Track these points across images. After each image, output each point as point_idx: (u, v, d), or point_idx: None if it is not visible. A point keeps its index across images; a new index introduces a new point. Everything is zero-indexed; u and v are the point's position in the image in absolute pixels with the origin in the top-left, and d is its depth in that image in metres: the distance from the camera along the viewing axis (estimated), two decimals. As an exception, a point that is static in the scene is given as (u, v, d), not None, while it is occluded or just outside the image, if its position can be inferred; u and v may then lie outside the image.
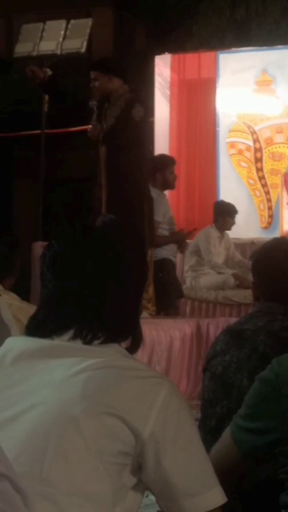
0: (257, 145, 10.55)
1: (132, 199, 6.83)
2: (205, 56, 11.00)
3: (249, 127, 10.59)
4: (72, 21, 9.41)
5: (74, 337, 1.77)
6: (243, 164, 10.63)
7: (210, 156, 10.78)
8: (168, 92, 11.00)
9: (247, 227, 10.06)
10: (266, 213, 10.44)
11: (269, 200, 10.44)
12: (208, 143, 10.84)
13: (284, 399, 2.13)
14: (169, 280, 7.66)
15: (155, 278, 7.14)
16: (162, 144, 10.69)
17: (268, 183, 10.45)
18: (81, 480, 1.64)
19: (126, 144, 6.82)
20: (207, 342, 6.75)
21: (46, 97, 9.02)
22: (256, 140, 10.55)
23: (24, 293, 5.30)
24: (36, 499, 1.61)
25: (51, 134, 10.29)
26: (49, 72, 9.07)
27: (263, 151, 10.51)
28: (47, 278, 1.83)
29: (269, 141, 10.51)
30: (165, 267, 7.59)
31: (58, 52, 9.24)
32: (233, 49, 10.95)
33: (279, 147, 10.47)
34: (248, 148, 10.60)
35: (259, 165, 10.54)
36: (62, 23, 9.39)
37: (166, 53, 11.10)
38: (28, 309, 3.60)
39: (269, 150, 10.50)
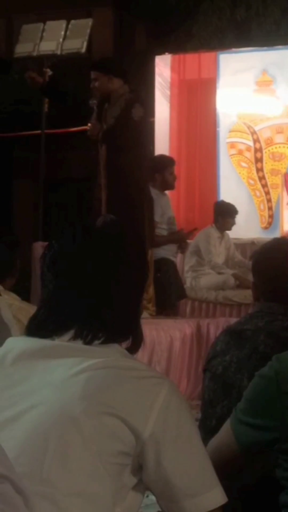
0: (257, 145, 10.55)
1: (132, 199, 6.83)
2: (205, 56, 11.01)
3: (249, 127, 10.59)
4: (72, 21, 9.42)
5: (74, 337, 1.77)
6: (243, 164, 10.63)
7: (210, 156, 10.78)
8: (168, 92, 11.00)
9: (247, 227, 10.06)
10: (266, 213, 10.45)
11: (269, 200, 10.44)
12: (208, 143, 10.84)
13: (283, 396, 2.14)
14: (167, 280, 7.64)
15: (154, 278, 7.13)
16: (162, 144, 10.69)
17: (268, 183, 10.46)
18: (81, 480, 1.64)
19: (126, 144, 6.82)
20: (207, 342, 6.76)
21: (47, 79, 8.99)
22: (256, 140, 10.56)
23: (24, 293, 5.30)
24: (36, 499, 1.61)
25: (51, 134, 10.29)
26: (49, 72, 9.10)
27: (263, 151, 10.51)
28: (48, 278, 1.83)
29: (269, 141, 10.51)
30: (163, 267, 7.58)
31: (58, 52, 9.25)
32: (233, 49, 10.96)
33: (279, 147, 10.47)
34: (248, 148, 10.60)
35: (259, 165, 10.54)
36: (62, 23, 9.40)
37: (166, 53, 11.10)
38: (29, 309, 3.60)
39: (269, 150, 10.50)
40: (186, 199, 10.83)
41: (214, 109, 10.74)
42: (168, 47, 11.31)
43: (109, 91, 6.93)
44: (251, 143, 10.58)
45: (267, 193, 10.46)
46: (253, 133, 10.56)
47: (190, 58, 11.13)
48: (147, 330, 5.99)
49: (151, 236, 7.04)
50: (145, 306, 6.82)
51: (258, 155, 10.54)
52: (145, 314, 6.71)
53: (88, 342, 1.77)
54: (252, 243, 9.36)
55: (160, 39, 11.77)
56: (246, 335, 2.75)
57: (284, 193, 9.80)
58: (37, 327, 1.81)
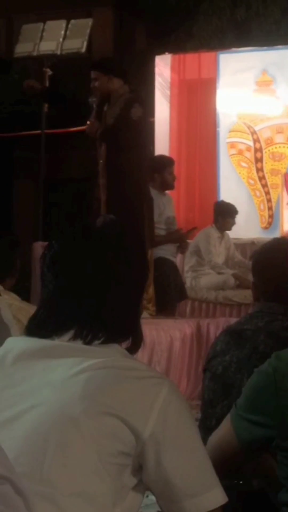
0: (257, 145, 10.55)
1: (132, 199, 6.83)
2: (206, 56, 11.00)
3: (249, 127, 10.59)
4: (72, 21, 9.42)
5: (74, 337, 1.77)
6: (243, 164, 10.63)
7: (210, 156, 10.78)
8: (168, 92, 11.00)
9: (247, 227, 10.06)
10: (266, 213, 10.45)
11: (269, 200, 10.44)
12: (208, 143, 10.84)
13: (280, 393, 2.14)
14: (166, 279, 7.61)
15: (153, 278, 7.12)
16: (162, 144, 10.69)
17: (268, 183, 10.45)
18: (81, 480, 1.64)
19: (126, 144, 6.82)
20: (207, 342, 6.76)
21: (47, 84, 9.00)
22: (256, 140, 10.56)
23: (24, 293, 5.30)
24: (35, 499, 1.61)
25: (51, 134, 10.29)
26: (49, 72, 9.10)
27: (263, 151, 10.51)
28: (47, 278, 1.83)
29: (269, 141, 10.51)
30: (161, 267, 7.54)
31: (58, 52, 9.25)
32: (234, 49, 10.95)
33: (279, 147, 10.47)
34: (248, 148, 10.60)
35: (259, 165, 10.54)
36: (62, 23, 9.40)
37: (167, 53, 11.10)
38: (28, 309, 3.61)
39: (269, 150, 10.50)
40: (186, 199, 10.83)
41: (214, 109, 10.74)
42: (168, 47, 11.31)
43: (109, 91, 6.93)
44: (251, 143, 10.58)
45: (267, 193, 10.46)
46: (253, 133, 10.57)
47: (190, 58, 11.13)
48: (147, 330, 5.99)
49: (151, 236, 7.04)
50: (145, 306, 6.82)
51: (258, 155, 10.54)
52: (145, 314, 6.71)
53: (88, 342, 1.77)
54: (252, 243, 9.36)
55: (160, 39, 11.76)
56: (246, 335, 2.75)
57: (284, 193, 9.80)
58: (37, 327, 1.81)
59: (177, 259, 8.48)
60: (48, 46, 9.29)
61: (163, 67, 11.02)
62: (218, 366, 2.75)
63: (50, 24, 9.45)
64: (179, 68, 11.08)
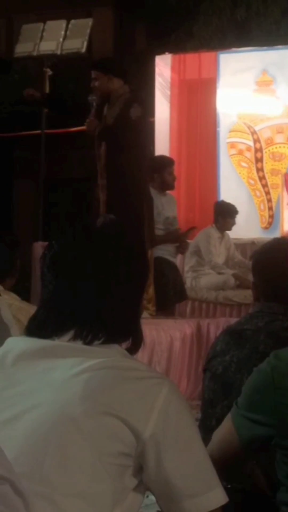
0: (258, 145, 10.55)
1: (132, 199, 6.82)
2: (206, 56, 11.00)
3: (249, 127, 10.59)
4: (72, 21, 9.42)
5: (74, 338, 1.77)
6: (244, 164, 10.63)
7: (211, 156, 10.78)
8: (168, 92, 11.00)
9: (247, 227, 10.06)
10: (266, 213, 10.45)
11: (269, 200, 10.44)
12: (208, 143, 10.84)
13: (278, 392, 2.15)
14: (163, 279, 7.58)
15: (153, 278, 7.11)
16: (162, 144, 10.69)
17: (269, 183, 10.45)
18: (81, 481, 1.64)
19: (125, 144, 6.82)
20: (207, 342, 6.75)
21: (47, 90, 9.01)
22: (256, 140, 10.56)
23: (24, 293, 5.30)
24: (35, 499, 1.61)
25: (51, 134, 10.29)
26: (49, 72, 9.10)
27: (264, 151, 10.51)
28: (48, 278, 1.83)
29: (270, 141, 10.51)
30: (159, 266, 7.52)
31: (58, 52, 9.25)
32: (234, 49, 10.96)
33: (280, 147, 10.47)
34: (248, 148, 10.60)
35: (259, 165, 10.54)
36: (62, 23, 9.40)
37: (167, 53, 11.10)
38: (28, 309, 3.61)
39: (269, 150, 10.50)
40: (186, 199, 10.83)
41: (214, 109, 10.74)
42: (168, 47, 11.31)
43: (109, 90, 6.94)
44: (251, 143, 10.58)
45: (267, 193, 10.46)
46: (253, 133, 10.57)
47: (190, 58, 11.13)
48: (147, 330, 5.99)
49: (151, 236, 7.03)
50: (145, 306, 6.82)
51: (258, 155, 10.54)
52: (145, 314, 6.70)
53: (88, 343, 1.77)
54: (252, 243, 9.36)
55: (160, 39, 11.77)
56: (246, 335, 2.75)
57: (284, 193, 9.80)
58: (37, 327, 1.81)
59: (177, 259, 8.47)
60: (48, 46, 9.29)
61: (163, 67, 11.02)
62: (218, 366, 2.75)
63: (50, 24, 9.45)
64: (179, 68, 11.08)
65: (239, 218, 9.32)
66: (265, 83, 10.53)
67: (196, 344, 6.93)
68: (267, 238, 7.76)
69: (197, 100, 11.05)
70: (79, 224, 1.86)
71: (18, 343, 1.83)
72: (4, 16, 13.29)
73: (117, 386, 1.69)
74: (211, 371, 2.78)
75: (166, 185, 7.94)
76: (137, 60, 11.59)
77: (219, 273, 8.99)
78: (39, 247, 8.27)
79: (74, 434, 1.65)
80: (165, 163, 8.06)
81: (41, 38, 9.35)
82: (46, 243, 1.91)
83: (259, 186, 10.52)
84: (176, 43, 11.65)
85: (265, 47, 10.74)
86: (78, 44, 9.25)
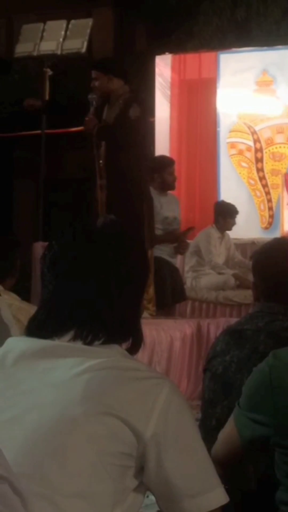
0: (258, 146, 10.55)
1: (132, 199, 6.82)
2: (206, 56, 11.00)
3: (249, 127, 10.59)
4: (73, 21, 9.41)
5: (74, 338, 1.77)
6: (244, 164, 10.63)
7: (211, 157, 10.78)
8: (168, 92, 11.00)
9: (247, 228, 10.06)
10: (266, 214, 10.44)
11: (269, 201, 10.44)
12: (208, 143, 10.84)
13: (276, 391, 2.15)
14: (160, 279, 7.53)
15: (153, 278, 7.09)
16: (162, 144, 10.69)
17: (269, 183, 10.45)
18: (81, 481, 1.64)
19: (124, 143, 6.82)
20: (207, 343, 6.75)
21: (47, 97, 9.02)
22: (256, 141, 10.55)
23: (24, 294, 5.30)
24: (35, 500, 1.60)
25: (51, 134, 10.29)
26: (49, 72, 9.10)
27: (264, 151, 10.51)
28: (48, 278, 1.83)
29: (270, 142, 10.51)
30: (155, 266, 7.47)
31: (59, 52, 9.24)
32: (234, 49, 10.95)
33: (280, 147, 10.47)
34: (248, 149, 10.60)
35: (259, 165, 10.54)
36: (63, 23, 9.39)
37: (167, 53, 11.10)
38: (28, 310, 3.61)
39: (269, 150, 10.50)
40: (187, 199, 10.82)
41: (215, 109, 10.74)
42: (168, 47, 11.31)
43: (109, 90, 6.94)
44: (251, 143, 10.58)
45: (268, 193, 10.46)
46: (254, 133, 10.56)
47: (191, 58, 11.13)
48: (147, 330, 5.99)
49: (150, 236, 7.03)
50: (145, 306, 6.81)
51: (259, 155, 10.54)
52: (145, 314, 6.70)
53: (88, 343, 1.76)
54: (253, 243, 9.36)
55: (160, 39, 11.76)
56: (246, 335, 2.75)
57: (285, 193, 9.80)
58: (37, 328, 1.81)
59: (178, 260, 8.47)
60: (48, 46, 9.29)
61: (164, 67, 11.02)
62: (218, 366, 2.75)
63: (50, 24, 9.45)
64: (179, 68, 11.08)
65: (239, 218, 9.32)
66: (265, 83, 10.53)
67: (196, 344, 6.93)
68: (267, 238, 7.76)
69: (197, 100, 11.05)
70: (79, 224, 1.86)
71: (18, 343, 1.83)
72: (4, 16, 13.28)
73: (118, 386, 1.69)
74: (211, 371, 2.78)
75: (166, 185, 7.93)
76: (137, 60, 11.58)
77: (219, 273, 8.99)
78: (39, 247, 8.26)
79: (74, 435, 1.65)
80: (165, 163, 8.06)
81: (41, 38, 9.34)
82: (46, 243, 1.91)
83: (259, 186, 10.52)
84: (176, 43, 11.64)
85: (265, 47, 10.74)
86: (78, 44, 9.25)
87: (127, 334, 1.82)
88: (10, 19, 13.20)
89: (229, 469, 2.24)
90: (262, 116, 10.54)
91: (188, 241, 8.33)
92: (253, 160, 10.56)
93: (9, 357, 1.78)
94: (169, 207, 7.99)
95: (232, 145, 10.69)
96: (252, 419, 2.20)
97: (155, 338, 6.52)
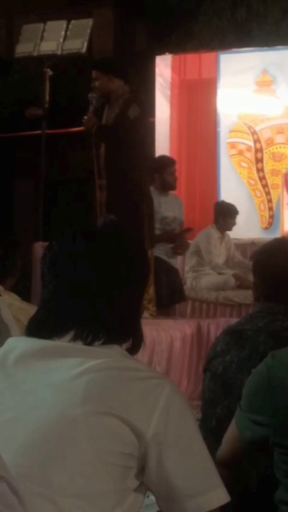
0: (258, 146, 10.55)
1: (132, 199, 6.82)
2: (206, 56, 11.00)
3: (249, 127, 10.59)
4: (73, 22, 9.42)
5: (74, 338, 1.77)
6: (244, 164, 10.63)
7: (211, 157, 10.77)
8: (168, 92, 11.00)
9: (247, 228, 10.06)
10: (266, 214, 10.44)
11: (269, 201, 10.44)
12: (208, 143, 10.84)
13: (273, 391, 2.16)
14: (156, 278, 7.49)
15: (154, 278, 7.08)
16: (162, 144, 10.69)
17: (269, 183, 10.45)
18: (81, 482, 1.64)
19: (124, 144, 6.82)
20: (207, 343, 6.75)
21: (47, 97, 9.03)
22: (256, 141, 10.55)
23: (24, 294, 5.30)
24: (35, 500, 1.61)
25: (51, 134, 10.29)
26: (49, 72, 9.11)
27: (264, 151, 10.51)
28: (48, 279, 1.83)
29: (270, 142, 10.51)
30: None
31: (59, 52, 9.25)
32: (234, 49, 10.95)
33: (280, 147, 10.47)
34: (248, 149, 10.60)
35: (259, 165, 10.54)
36: (63, 23, 9.40)
37: (167, 53, 11.10)
38: (29, 310, 3.61)
39: (269, 150, 10.50)
40: (187, 199, 10.80)
41: (215, 109, 10.74)
42: (168, 47, 11.31)
43: (109, 91, 6.94)
44: (251, 143, 10.58)
45: (268, 193, 10.46)
46: (254, 133, 10.56)
47: (191, 58, 11.13)
48: (147, 330, 5.99)
49: (150, 236, 7.03)
50: (145, 306, 6.81)
51: (259, 155, 10.54)
52: (145, 314, 6.70)
53: (88, 343, 1.76)
54: (253, 243, 9.36)
55: (160, 39, 11.76)
56: (246, 335, 2.75)
57: (285, 193, 9.80)
58: (37, 328, 1.81)
59: (178, 260, 8.46)
60: (48, 46, 9.29)
61: (164, 67, 11.01)
62: (219, 366, 2.75)
63: (51, 24, 9.45)
64: (179, 68, 11.08)
65: (239, 218, 9.31)
66: (265, 83, 10.53)
67: (196, 344, 6.93)
68: (267, 238, 7.75)
69: (197, 100, 11.05)
70: (79, 225, 1.86)
71: (18, 343, 1.82)
72: (5, 16, 13.29)
73: (118, 387, 1.69)
74: (211, 371, 2.78)
75: (167, 185, 7.93)
76: (137, 60, 11.58)
77: (220, 274, 8.99)
78: (39, 247, 8.26)
79: (75, 435, 1.65)
80: (165, 163, 8.06)
81: (42, 38, 9.35)
82: (46, 243, 1.91)
83: (259, 186, 10.52)
84: (176, 43, 11.64)
85: (265, 48, 10.74)
86: (79, 44, 9.25)
87: (127, 334, 1.82)
88: (10, 19, 13.21)
89: (232, 470, 2.24)
90: (262, 116, 10.54)
91: (188, 241, 8.32)
92: (253, 160, 10.56)
93: (10, 357, 1.78)
94: (169, 207, 7.99)
95: (232, 145, 10.69)
96: (252, 420, 2.21)
97: (155, 338, 6.52)
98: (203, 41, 11.68)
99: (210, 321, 7.35)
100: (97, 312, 1.78)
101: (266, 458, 2.30)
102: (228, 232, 9.24)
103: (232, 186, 10.53)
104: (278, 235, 9.23)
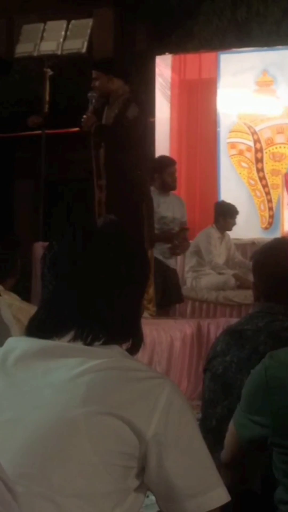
0: (258, 146, 10.55)
1: (131, 199, 6.82)
2: (206, 56, 11.00)
3: (249, 127, 10.59)
4: (73, 22, 9.42)
5: (74, 339, 1.77)
6: (244, 164, 10.63)
7: (211, 157, 10.78)
8: (168, 92, 11.00)
9: (247, 228, 10.06)
10: (266, 214, 10.44)
11: (269, 201, 10.44)
12: (208, 143, 10.84)
13: (272, 391, 2.16)
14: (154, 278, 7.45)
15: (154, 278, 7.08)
16: (162, 144, 10.69)
17: (269, 183, 10.45)
18: (81, 481, 1.64)
19: (123, 144, 6.82)
20: (207, 343, 6.75)
21: (47, 97, 9.03)
22: (256, 141, 10.55)
23: (24, 294, 5.30)
24: (36, 500, 1.61)
25: (51, 134, 10.29)
26: (49, 72, 9.11)
27: (264, 151, 10.51)
28: (48, 279, 1.83)
29: (270, 142, 10.51)
30: None
31: (59, 52, 9.25)
32: (234, 49, 10.95)
33: (280, 147, 10.47)
34: (248, 149, 10.60)
35: (259, 165, 10.54)
36: (63, 23, 9.40)
37: (167, 53, 11.10)
38: (29, 310, 3.61)
39: (269, 150, 10.50)
40: (187, 199, 10.78)
41: (215, 109, 10.74)
42: (168, 47, 11.31)
43: (109, 90, 6.95)
44: (251, 143, 10.58)
45: (268, 193, 10.46)
46: (254, 133, 10.57)
47: (191, 58, 11.13)
48: (147, 330, 5.99)
49: (150, 236, 7.03)
50: (145, 306, 6.81)
51: (259, 155, 10.54)
52: (145, 314, 6.70)
53: (88, 343, 1.76)
54: (253, 243, 9.36)
55: (160, 39, 11.76)
56: (246, 335, 2.75)
57: (285, 193, 9.80)
58: (37, 328, 1.81)
59: (178, 260, 8.45)
60: (48, 46, 9.29)
61: (164, 67, 11.01)
62: (219, 367, 2.75)
63: (51, 24, 9.46)
64: (179, 68, 11.08)
65: (239, 218, 9.31)
66: (265, 83, 10.53)
67: (196, 344, 6.93)
68: (267, 238, 7.76)
69: (197, 101, 11.05)
70: (79, 225, 1.86)
71: (18, 343, 1.82)
72: (5, 17, 13.29)
73: (119, 387, 1.69)
74: (212, 371, 2.78)
75: (167, 185, 7.93)
76: (137, 60, 11.59)
77: (220, 274, 8.99)
78: (39, 247, 8.26)
79: (75, 435, 1.65)
80: (165, 163, 8.05)
81: (42, 38, 9.35)
82: (46, 243, 1.91)
83: (259, 186, 10.52)
84: (176, 43, 11.64)
85: (265, 48, 10.74)
86: (79, 44, 9.25)
87: (127, 334, 1.83)
88: (10, 19, 13.21)
89: (235, 471, 2.25)
90: (262, 116, 10.54)
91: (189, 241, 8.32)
92: (253, 160, 10.56)
93: (10, 357, 1.78)
94: (168, 208, 7.97)
95: (232, 145, 10.69)
96: (251, 420, 2.21)
97: (155, 338, 6.52)
98: (203, 41, 11.68)
99: (210, 321, 7.35)
100: (97, 312, 1.78)
101: (266, 458, 2.31)
102: (228, 232, 9.24)
103: (232, 186, 10.53)
104: (278, 235, 9.23)
